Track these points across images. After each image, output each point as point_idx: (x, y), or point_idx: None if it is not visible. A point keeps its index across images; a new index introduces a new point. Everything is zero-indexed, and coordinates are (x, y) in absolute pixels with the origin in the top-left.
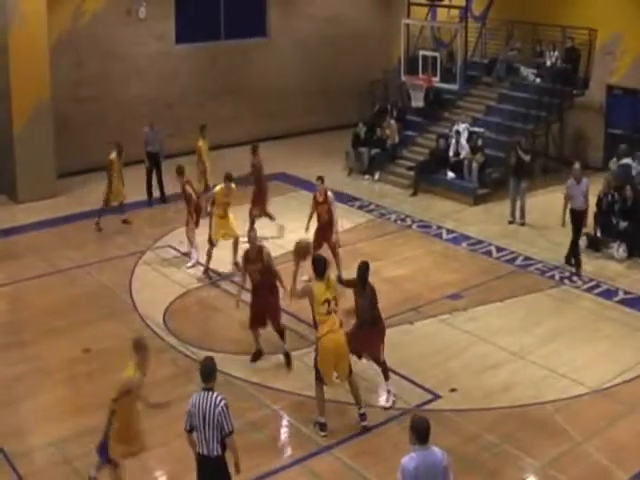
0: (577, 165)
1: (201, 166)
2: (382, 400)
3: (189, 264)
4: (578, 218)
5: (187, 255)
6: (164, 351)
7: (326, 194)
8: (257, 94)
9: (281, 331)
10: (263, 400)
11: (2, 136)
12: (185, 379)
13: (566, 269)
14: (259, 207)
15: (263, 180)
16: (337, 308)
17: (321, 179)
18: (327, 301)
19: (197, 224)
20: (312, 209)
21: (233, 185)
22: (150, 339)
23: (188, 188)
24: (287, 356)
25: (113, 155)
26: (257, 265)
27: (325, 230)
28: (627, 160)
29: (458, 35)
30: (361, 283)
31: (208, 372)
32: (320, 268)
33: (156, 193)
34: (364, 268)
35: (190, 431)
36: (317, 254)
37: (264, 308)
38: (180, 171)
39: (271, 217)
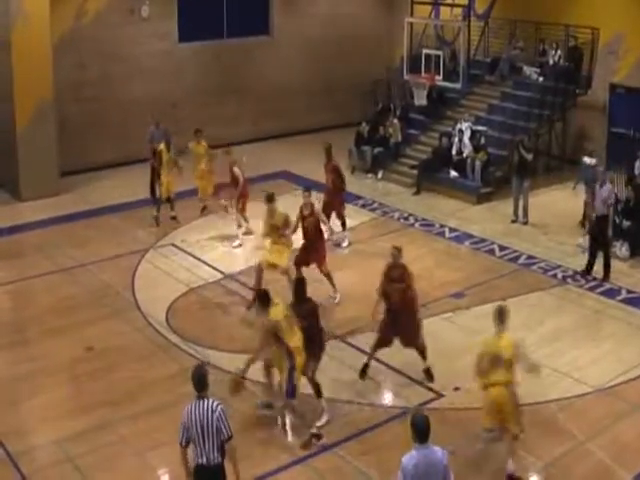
0: (600, 168)
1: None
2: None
3: (235, 243)
4: (599, 225)
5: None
6: (167, 349)
7: (313, 207)
8: (260, 92)
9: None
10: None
11: (5, 135)
12: (189, 377)
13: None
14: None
15: None
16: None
17: (308, 191)
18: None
19: (244, 208)
20: (297, 221)
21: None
22: (153, 337)
23: (236, 169)
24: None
25: (161, 146)
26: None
27: (311, 249)
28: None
29: (461, 34)
30: (297, 300)
31: (202, 381)
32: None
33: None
34: (298, 283)
35: (186, 446)
36: (297, 276)
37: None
38: (228, 151)
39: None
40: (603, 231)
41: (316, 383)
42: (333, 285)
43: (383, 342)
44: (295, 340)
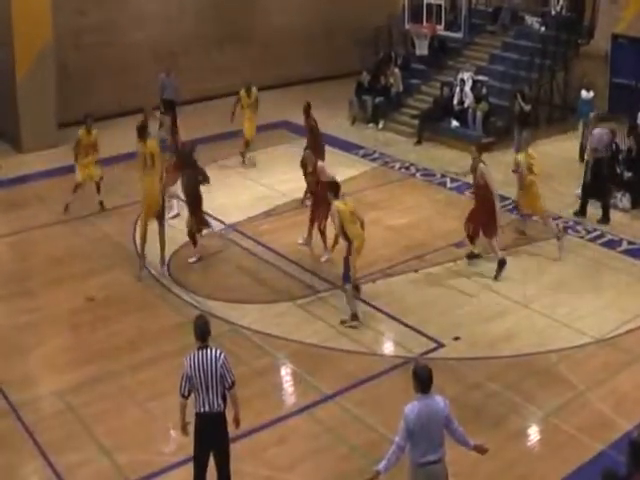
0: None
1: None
2: None
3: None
4: (598, 167)
5: None
6: (168, 300)
7: (315, 165)
8: (260, 41)
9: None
10: (267, 348)
11: (5, 82)
12: (192, 327)
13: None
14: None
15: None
16: None
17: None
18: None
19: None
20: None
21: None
22: (154, 288)
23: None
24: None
25: (242, 92)
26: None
27: (318, 205)
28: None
29: None
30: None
31: (204, 331)
32: None
33: None
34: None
35: (187, 396)
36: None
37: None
38: (307, 108)
39: None
40: (603, 174)
41: None
42: (325, 243)
43: None
44: (353, 229)
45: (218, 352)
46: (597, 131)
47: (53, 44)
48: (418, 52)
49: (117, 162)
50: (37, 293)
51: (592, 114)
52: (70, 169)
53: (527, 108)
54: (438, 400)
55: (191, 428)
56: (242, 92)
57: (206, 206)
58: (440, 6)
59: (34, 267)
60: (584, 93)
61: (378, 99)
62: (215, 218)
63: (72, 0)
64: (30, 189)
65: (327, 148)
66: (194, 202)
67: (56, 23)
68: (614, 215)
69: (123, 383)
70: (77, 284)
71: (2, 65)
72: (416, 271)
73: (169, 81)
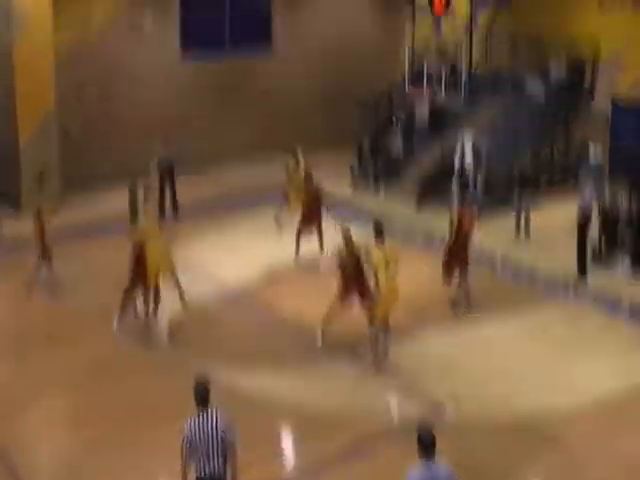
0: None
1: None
2: None
3: None
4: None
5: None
6: (169, 363)
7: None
8: (262, 109)
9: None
10: (269, 412)
11: (8, 149)
12: (191, 391)
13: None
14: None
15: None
16: None
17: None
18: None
19: None
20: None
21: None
22: (155, 351)
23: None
24: None
25: (290, 163)
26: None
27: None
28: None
29: (463, 48)
30: None
31: (204, 395)
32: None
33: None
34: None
35: (188, 460)
36: None
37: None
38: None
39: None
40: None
41: None
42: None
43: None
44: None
45: (219, 416)
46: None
47: (55, 112)
48: (418, 117)
49: (116, 226)
50: (39, 355)
51: (582, 171)
52: (70, 231)
53: (529, 172)
54: (442, 466)
55: None
56: (290, 164)
57: (210, 270)
58: (440, 71)
59: (36, 329)
60: (592, 148)
61: (379, 164)
62: (217, 283)
63: (75, 69)
64: (31, 251)
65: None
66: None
67: (59, 90)
68: (615, 278)
69: (123, 447)
70: (79, 347)
71: (6, 130)
72: (414, 336)
73: (166, 150)
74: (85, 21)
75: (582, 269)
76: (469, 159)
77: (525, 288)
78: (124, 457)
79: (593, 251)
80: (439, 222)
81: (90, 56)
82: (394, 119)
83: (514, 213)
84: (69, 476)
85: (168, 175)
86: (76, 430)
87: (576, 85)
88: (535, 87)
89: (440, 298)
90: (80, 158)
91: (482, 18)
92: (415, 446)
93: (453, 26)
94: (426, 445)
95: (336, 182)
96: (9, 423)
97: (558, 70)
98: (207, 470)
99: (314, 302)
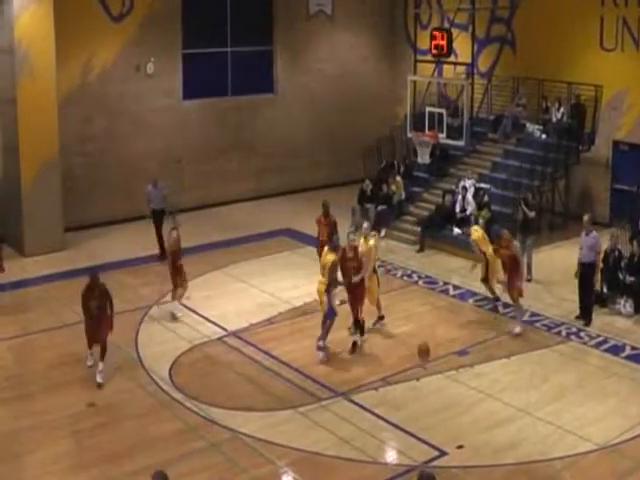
0: (586, 217)
1: None
2: None
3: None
4: (584, 271)
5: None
6: (170, 406)
7: (356, 249)
8: (264, 150)
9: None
10: (268, 456)
11: (10, 189)
12: (193, 435)
13: (574, 324)
14: None
15: None
16: None
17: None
18: None
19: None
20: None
21: None
22: (155, 394)
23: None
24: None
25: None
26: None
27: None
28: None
29: (464, 91)
30: None
31: None
32: None
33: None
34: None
35: None
36: None
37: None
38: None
39: None
40: (588, 278)
41: None
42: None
43: None
44: None
45: None
46: (589, 236)
47: (58, 153)
48: (420, 160)
49: (119, 268)
50: (38, 397)
51: (586, 217)
52: (73, 274)
53: (531, 215)
54: None
55: None
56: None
57: (208, 312)
58: (442, 114)
59: (36, 371)
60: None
61: (380, 207)
62: (217, 325)
63: (78, 110)
64: (32, 293)
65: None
66: None
67: (62, 131)
68: (617, 321)
69: None
70: (79, 389)
71: (8, 171)
72: (418, 379)
73: (156, 192)
74: (89, 63)
75: (586, 315)
76: (471, 201)
77: (527, 331)
78: None
79: (595, 293)
80: (440, 263)
81: (93, 97)
82: (396, 163)
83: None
84: None
85: (158, 216)
86: (75, 472)
87: (576, 129)
88: (536, 131)
89: (441, 341)
90: (83, 200)
91: (483, 62)
92: None
93: (455, 70)
94: None
95: (337, 223)
96: None
97: (559, 113)
98: None
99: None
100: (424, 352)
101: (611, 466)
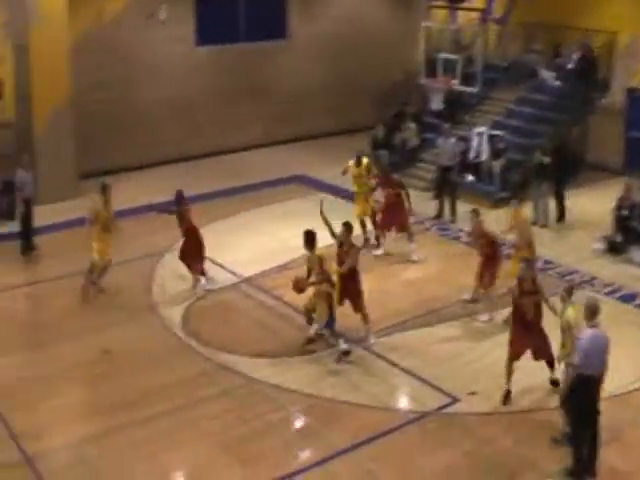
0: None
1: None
2: None
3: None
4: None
5: None
6: (184, 353)
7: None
8: (276, 96)
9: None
10: (281, 402)
11: (23, 137)
12: (206, 380)
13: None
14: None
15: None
16: None
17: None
18: None
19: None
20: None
21: None
22: (169, 340)
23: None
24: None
25: (350, 162)
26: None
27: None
28: None
29: (478, 38)
30: None
31: None
32: None
33: None
34: None
35: None
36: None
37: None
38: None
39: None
40: (448, 179)
41: None
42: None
43: (516, 355)
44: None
45: None
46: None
47: (72, 98)
48: (433, 106)
49: (132, 215)
50: (52, 345)
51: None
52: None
53: (546, 160)
54: (603, 331)
55: None
56: (350, 162)
57: (221, 259)
58: (455, 60)
59: (49, 319)
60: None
61: (394, 153)
62: (230, 271)
63: (90, 57)
64: (46, 240)
65: (343, 201)
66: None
67: (74, 79)
68: (630, 269)
69: (136, 435)
70: (93, 336)
71: (21, 119)
72: (432, 325)
73: (28, 176)
74: (101, 9)
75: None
76: (485, 148)
77: (540, 278)
78: (136, 446)
79: (608, 242)
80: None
81: (105, 44)
82: (409, 109)
83: (532, 202)
84: (82, 463)
85: (27, 205)
86: (90, 419)
87: (591, 76)
88: (549, 77)
89: (455, 287)
90: (96, 148)
91: (498, 7)
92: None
93: (469, 16)
94: (591, 309)
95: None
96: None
97: (573, 60)
98: None
99: None
100: (296, 287)
101: (620, 414)
